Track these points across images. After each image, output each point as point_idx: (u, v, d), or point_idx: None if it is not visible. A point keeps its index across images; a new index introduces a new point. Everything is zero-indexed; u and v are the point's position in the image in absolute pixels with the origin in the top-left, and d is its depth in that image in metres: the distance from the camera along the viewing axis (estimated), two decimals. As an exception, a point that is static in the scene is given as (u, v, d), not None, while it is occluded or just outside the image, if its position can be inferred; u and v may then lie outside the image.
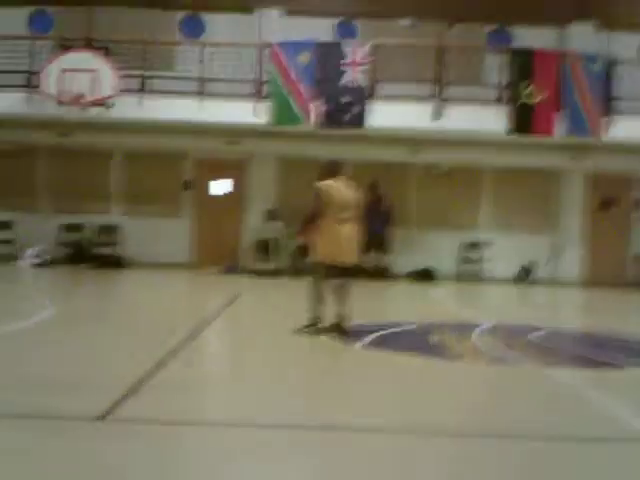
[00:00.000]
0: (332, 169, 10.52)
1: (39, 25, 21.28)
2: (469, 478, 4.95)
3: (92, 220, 21.19)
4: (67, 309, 12.45)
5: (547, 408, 6.98)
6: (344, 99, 18.05)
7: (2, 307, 12.53)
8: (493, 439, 5.81)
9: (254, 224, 20.90)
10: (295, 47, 18.28)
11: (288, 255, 20.21)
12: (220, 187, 21.54)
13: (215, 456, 5.10)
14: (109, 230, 21.23)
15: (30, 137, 20.84)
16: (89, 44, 18.95)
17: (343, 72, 18.05)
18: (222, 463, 4.98)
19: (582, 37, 20.44)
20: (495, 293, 19.58)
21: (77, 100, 17.98)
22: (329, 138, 19.36)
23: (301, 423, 6.01)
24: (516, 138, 18.79)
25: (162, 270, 19.99)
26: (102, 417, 5.75)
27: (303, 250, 18.83)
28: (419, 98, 18.61)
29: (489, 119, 18.37)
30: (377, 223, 19.74)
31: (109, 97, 18.22)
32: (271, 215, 20.65)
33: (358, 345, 9.69)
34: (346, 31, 21.12)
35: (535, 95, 18.07)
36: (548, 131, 18.32)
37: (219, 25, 21.05)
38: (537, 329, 11.59)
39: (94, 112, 18.41)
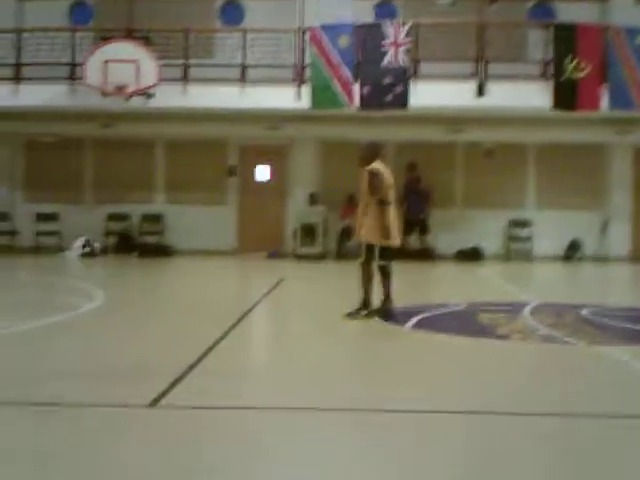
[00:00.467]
0: (375, 151, 10.43)
1: (79, 16, 21.39)
2: (534, 457, 4.91)
3: (137, 209, 21.33)
4: (117, 298, 12.53)
5: (603, 386, 6.91)
6: (385, 80, 17.89)
7: (53, 298, 12.66)
8: (552, 418, 5.75)
9: (297, 209, 20.87)
10: (335, 30, 18.17)
11: (333, 238, 20.20)
12: (263, 173, 21.58)
13: (273, 440, 5.11)
14: (154, 219, 21.36)
15: (73, 129, 21.01)
16: (129, 34, 19.01)
17: (384, 53, 17.90)
18: (279, 447, 4.98)
19: (623, 10, 20.07)
20: (543, 271, 19.42)
21: (120, 91, 18.04)
22: (371, 120, 19.26)
23: (355, 406, 5.98)
24: (561, 114, 18.54)
25: (208, 257, 20.06)
26: (154, 404, 5.78)
27: (347, 233, 18.90)
28: (461, 77, 18.45)
29: (532, 95, 18.13)
30: (416, 204, 19.71)
31: (151, 87, 18.26)
32: (313, 199, 20.63)
33: (408, 327, 9.66)
34: (386, 12, 20.94)
35: (579, 70, 17.81)
36: (593, 106, 18.05)
37: (258, 11, 20.97)
38: (587, 306, 11.47)
39: (137, 102, 18.49)
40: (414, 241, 20.12)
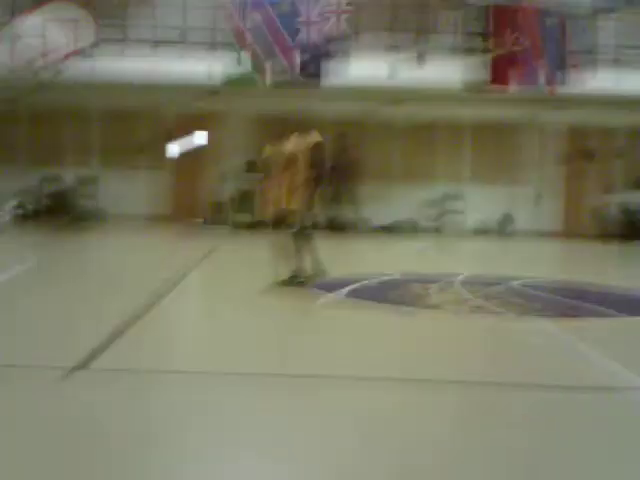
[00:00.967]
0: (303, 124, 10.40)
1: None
2: (464, 426, 4.98)
3: (72, 173, 20.99)
4: (44, 262, 12.37)
5: (531, 356, 7.02)
6: (324, 50, 17.84)
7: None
8: (482, 387, 5.83)
9: (234, 176, 20.71)
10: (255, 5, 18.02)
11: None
12: (185, 144, 21.44)
13: (189, 404, 5.11)
14: (89, 182, 21.05)
15: (8, 96, 20.56)
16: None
17: (300, 31, 17.83)
18: (196, 410, 4.98)
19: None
20: (475, 244, 19.62)
21: (55, 57, 17.75)
22: (304, 93, 19.11)
23: (270, 372, 6.02)
24: (491, 90, 18.71)
25: (141, 223, 19.85)
26: (78, 368, 5.74)
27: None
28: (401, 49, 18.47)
29: (454, 72, 18.29)
30: (344, 175, 19.76)
31: (86, 52, 18.01)
32: (250, 166, 20.48)
33: (340, 295, 9.68)
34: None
35: (502, 47, 17.96)
36: (505, 83, 18.26)
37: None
38: (518, 279, 11.62)
39: (71, 69, 18.20)
40: (341, 212, 20.20)
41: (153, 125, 21.18)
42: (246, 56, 17.90)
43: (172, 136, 21.26)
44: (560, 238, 20.80)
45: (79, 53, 18.04)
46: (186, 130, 21.30)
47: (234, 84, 18.17)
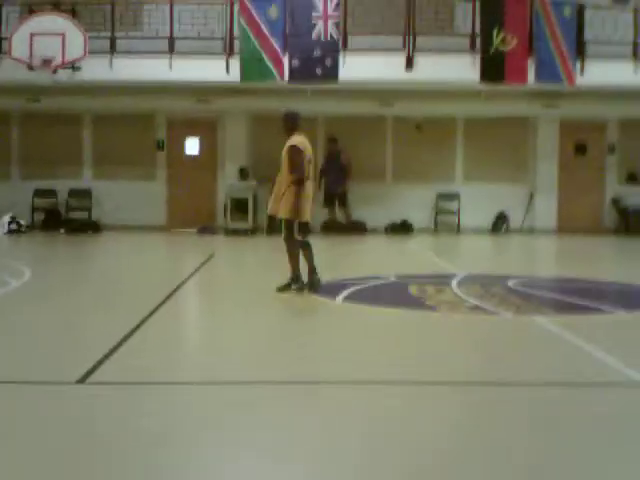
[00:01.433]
0: (294, 121, 10.28)
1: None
2: (468, 426, 4.97)
3: (64, 185, 20.99)
4: (43, 275, 12.37)
5: (530, 354, 7.04)
6: (315, 53, 17.83)
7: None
8: (483, 387, 5.84)
9: (228, 183, 20.71)
10: (264, 1, 18.04)
11: (264, 213, 20.11)
12: (193, 147, 21.42)
13: (201, 415, 5.10)
14: (82, 194, 21.06)
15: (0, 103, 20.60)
16: (56, 6, 18.67)
17: (313, 25, 17.85)
18: (208, 421, 4.97)
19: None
20: (470, 243, 19.62)
21: (46, 64, 17.74)
22: (300, 93, 19.17)
23: (284, 379, 6.00)
24: (489, 87, 18.73)
25: (137, 233, 19.86)
26: (82, 380, 5.72)
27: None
28: (390, 50, 18.49)
29: (461, 68, 18.30)
30: (336, 177, 19.85)
31: (78, 59, 17.98)
32: (244, 173, 20.48)
33: (338, 300, 9.69)
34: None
35: (506, 42, 17.95)
36: (520, 79, 18.23)
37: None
38: (514, 277, 11.64)
39: (64, 76, 18.19)
40: (338, 215, 20.26)
41: (147, 132, 21.16)
42: (262, 53, 17.87)
43: (166, 143, 21.23)
44: (556, 235, 20.80)
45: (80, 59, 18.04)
46: (180, 137, 21.28)
47: (253, 78, 18.12)
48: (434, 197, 21.11)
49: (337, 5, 17.92)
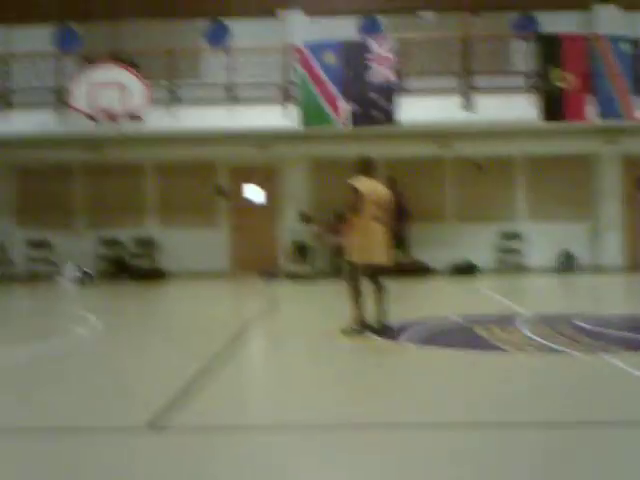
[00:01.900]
0: (366, 165, 10.37)
1: (64, 41, 21.44)
2: (545, 468, 4.88)
3: (129, 234, 21.29)
4: (111, 323, 12.48)
5: (602, 394, 6.89)
6: (372, 96, 17.91)
7: (47, 325, 12.58)
8: (558, 428, 5.74)
9: (289, 228, 20.82)
10: (321, 47, 18.20)
11: (325, 256, 20.15)
12: (253, 193, 21.55)
13: (276, 460, 5.07)
14: (145, 242, 21.33)
15: (63, 155, 20.99)
16: (115, 58, 19.00)
17: (370, 69, 17.94)
18: (285, 467, 4.94)
19: (607, 19, 20.24)
20: (536, 283, 19.38)
21: (108, 115, 18.04)
22: (359, 137, 19.30)
23: (360, 422, 5.95)
24: (548, 125, 18.58)
25: (201, 280, 20.02)
26: (151, 425, 5.73)
27: (338, 250, 18.89)
28: (447, 91, 18.50)
29: (519, 107, 18.18)
30: (395, 219, 19.76)
31: (139, 110, 18.25)
32: (304, 218, 20.56)
33: (403, 341, 9.62)
34: (370, 28, 21.02)
35: (565, 80, 17.85)
36: (580, 116, 18.09)
37: (244, 30, 21.05)
38: (581, 316, 11.45)
39: (125, 126, 18.47)
40: (399, 256, 20.15)
41: (208, 180, 21.39)
42: (320, 98, 18.00)
43: (228, 190, 21.42)
44: (623, 272, 20.48)
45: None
46: (242, 184, 21.47)
47: (312, 123, 18.25)
48: (497, 237, 20.97)
49: (393, 48, 18.00)
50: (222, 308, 15.30)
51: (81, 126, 18.49)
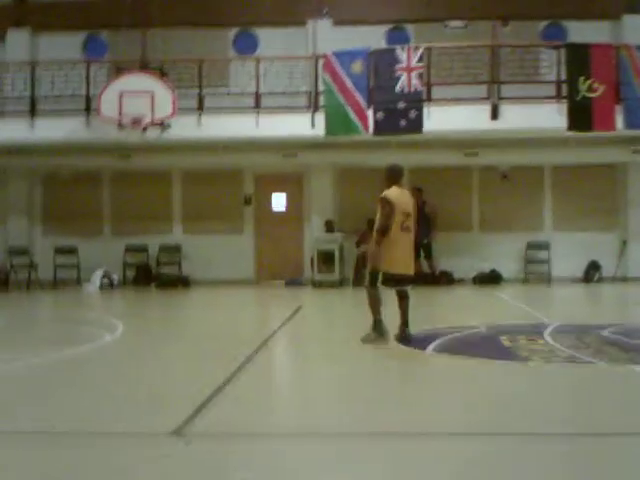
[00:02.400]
0: (392, 174, 10.38)
1: (94, 49, 21.61)
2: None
3: (154, 240, 21.37)
4: (137, 329, 12.55)
5: (629, 404, 6.84)
6: (399, 105, 17.88)
7: (74, 330, 12.66)
8: (584, 438, 5.72)
9: (314, 236, 20.82)
10: (348, 56, 18.22)
11: (350, 265, 20.14)
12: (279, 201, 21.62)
13: (302, 468, 5.07)
14: (172, 250, 21.40)
15: (90, 162, 21.08)
16: (144, 66, 19.11)
17: (397, 78, 17.92)
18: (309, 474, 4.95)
19: (636, 29, 20.10)
20: (562, 293, 19.28)
21: (136, 123, 18.12)
22: (386, 145, 19.27)
23: (384, 430, 5.94)
24: (577, 134, 18.49)
25: (226, 287, 20.05)
26: (177, 432, 5.75)
27: (364, 259, 18.87)
28: (475, 100, 18.45)
29: (547, 117, 18.08)
30: (421, 228, 19.71)
31: (167, 118, 18.33)
32: (329, 226, 20.56)
33: (428, 350, 9.60)
34: (398, 37, 20.99)
35: (594, 89, 17.75)
36: (609, 126, 17.97)
37: (271, 39, 21.13)
38: (608, 326, 11.37)
39: (153, 134, 18.54)
40: (423, 266, 20.08)
41: (235, 187, 21.46)
42: (346, 107, 18.03)
43: (253, 198, 21.48)
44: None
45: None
46: (267, 191, 21.52)
47: (337, 132, 18.28)
48: (523, 246, 20.84)
49: (420, 57, 17.98)
50: (247, 315, 15.34)
51: (109, 134, 18.60)
